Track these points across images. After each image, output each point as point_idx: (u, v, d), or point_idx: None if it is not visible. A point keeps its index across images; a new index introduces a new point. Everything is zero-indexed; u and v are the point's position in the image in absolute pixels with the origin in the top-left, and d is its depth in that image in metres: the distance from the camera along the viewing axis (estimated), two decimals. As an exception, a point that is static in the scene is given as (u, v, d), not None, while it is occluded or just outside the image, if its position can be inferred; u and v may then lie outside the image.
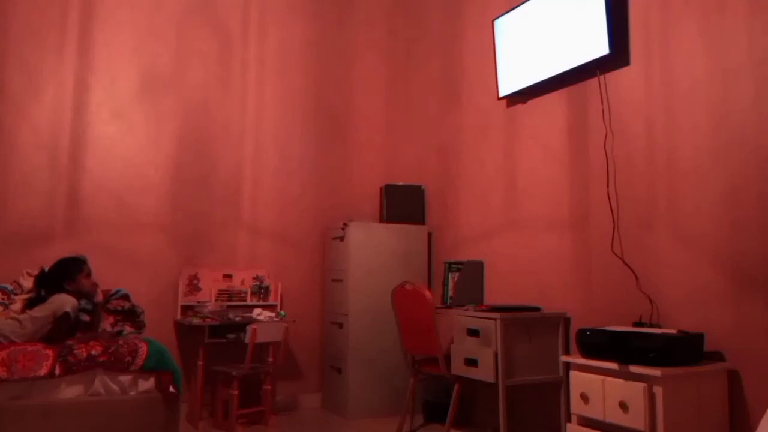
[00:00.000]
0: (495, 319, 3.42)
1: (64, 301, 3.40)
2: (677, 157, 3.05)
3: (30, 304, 3.49)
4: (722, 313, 2.81)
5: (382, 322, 4.49)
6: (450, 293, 4.39)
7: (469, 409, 4.31)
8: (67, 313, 3.38)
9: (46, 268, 3.61)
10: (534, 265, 3.86)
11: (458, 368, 3.62)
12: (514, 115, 4.12)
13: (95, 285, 3.67)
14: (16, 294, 3.70)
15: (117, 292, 3.91)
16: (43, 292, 3.49)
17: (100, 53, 4.38)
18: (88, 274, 3.62)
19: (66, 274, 3.57)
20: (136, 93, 4.47)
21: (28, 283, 3.74)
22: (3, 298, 3.68)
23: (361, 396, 4.45)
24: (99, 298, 3.73)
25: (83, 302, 3.62)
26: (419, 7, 5.19)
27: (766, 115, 2.70)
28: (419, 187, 4.93)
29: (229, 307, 4.49)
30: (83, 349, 3.17)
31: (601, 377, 2.75)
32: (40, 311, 3.38)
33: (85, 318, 3.61)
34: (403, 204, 4.83)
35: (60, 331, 3.37)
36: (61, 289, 3.49)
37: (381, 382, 4.50)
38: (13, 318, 3.38)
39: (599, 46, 3.36)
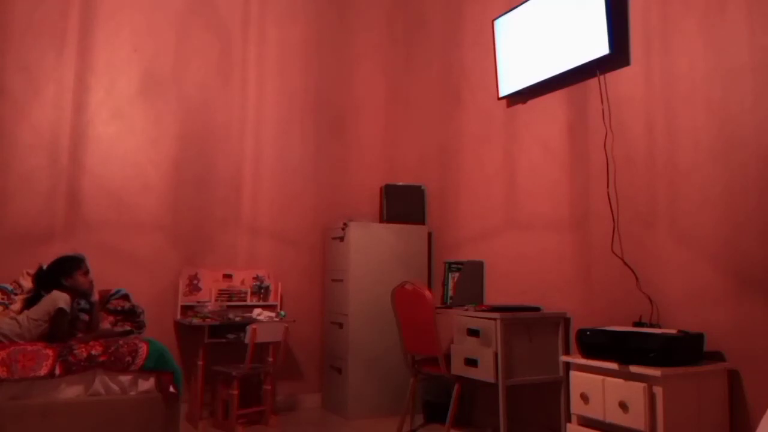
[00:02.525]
0: (495, 319, 3.42)
1: (56, 298, 3.38)
2: (677, 157, 3.05)
3: (28, 303, 3.49)
4: (722, 313, 2.81)
5: (382, 322, 4.49)
6: (450, 293, 4.39)
7: (469, 409, 4.31)
8: (61, 309, 3.36)
9: (44, 266, 3.61)
10: (534, 265, 3.86)
11: (458, 368, 3.62)
12: (514, 115, 4.12)
13: (92, 283, 3.65)
14: (16, 294, 3.70)
15: (117, 292, 3.91)
16: (43, 293, 3.48)
17: (100, 53, 4.38)
18: (86, 272, 3.60)
19: (63, 270, 3.55)
20: (136, 93, 4.47)
21: (27, 283, 3.74)
22: (3, 299, 3.68)
23: (361, 396, 4.44)
24: (95, 297, 3.73)
25: (82, 302, 3.62)
26: (419, 7, 5.19)
27: (766, 115, 2.70)
28: (419, 187, 4.93)
29: (229, 307, 4.49)
30: (83, 349, 3.17)
31: (601, 377, 2.75)
32: (34, 312, 3.37)
33: (84, 317, 3.61)
34: (403, 204, 4.83)
35: (59, 328, 3.35)
36: (57, 286, 3.48)
37: (381, 382, 4.50)
38: (12, 318, 3.38)
39: (599, 46, 3.36)
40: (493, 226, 4.23)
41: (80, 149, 4.28)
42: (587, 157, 3.56)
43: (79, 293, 3.56)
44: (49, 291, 3.45)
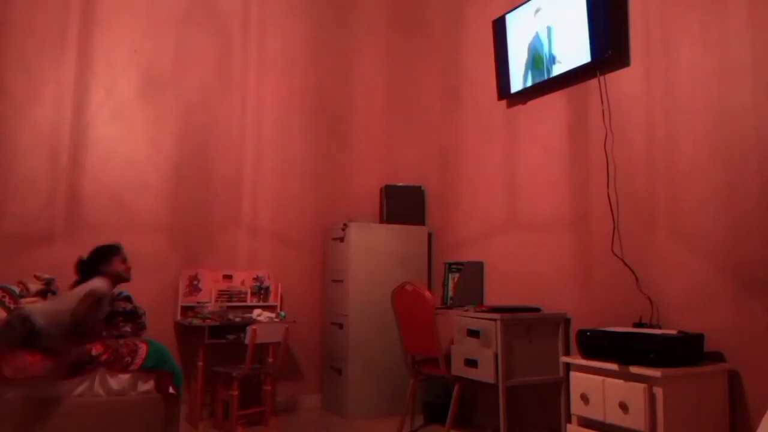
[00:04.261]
0: (495, 320, 3.42)
1: (89, 284, 3.30)
2: (677, 157, 3.05)
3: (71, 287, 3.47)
4: (722, 314, 2.81)
5: (382, 323, 4.48)
6: (450, 294, 4.39)
7: (469, 409, 4.31)
8: (91, 291, 3.25)
9: (84, 257, 3.51)
10: (534, 265, 3.86)
11: (458, 369, 3.61)
12: (515, 116, 4.12)
13: (130, 270, 3.55)
14: (23, 296, 3.68)
15: (119, 294, 3.90)
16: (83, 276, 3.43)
17: (100, 53, 4.38)
18: (123, 259, 3.53)
19: (101, 258, 3.47)
20: (136, 93, 4.47)
21: (35, 286, 3.73)
22: (5, 298, 3.66)
23: (361, 396, 4.44)
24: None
25: (124, 292, 3.67)
26: (419, 7, 5.19)
27: (766, 115, 2.70)
28: (419, 187, 4.93)
29: (229, 307, 4.49)
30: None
31: (602, 378, 2.75)
32: (59, 302, 3.33)
33: (126, 306, 3.65)
34: (403, 204, 4.83)
35: (82, 309, 3.21)
36: (96, 272, 3.40)
37: (381, 383, 4.50)
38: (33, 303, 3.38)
39: (599, 47, 3.36)
40: (493, 227, 4.23)
41: (80, 149, 4.28)
42: (587, 158, 3.56)
43: (119, 279, 3.49)
44: (87, 279, 3.38)
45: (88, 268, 3.46)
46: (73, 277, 3.47)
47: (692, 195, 2.97)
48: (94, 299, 3.27)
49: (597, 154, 3.49)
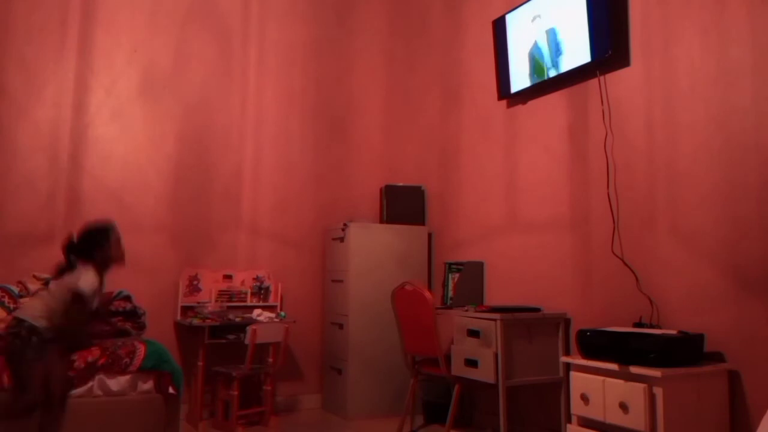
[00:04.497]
0: (495, 320, 3.42)
1: (81, 278, 3.09)
2: (677, 158, 3.05)
3: (60, 273, 3.24)
4: (722, 314, 2.81)
5: (382, 323, 4.48)
6: (450, 294, 4.39)
7: (469, 409, 4.31)
8: (78, 294, 3.06)
9: (75, 238, 3.30)
10: (534, 265, 3.86)
11: (458, 369, 3.61)
12: (515, 116, 4.12)
13: (124, 253, 3.36)
14: (22, 296, 3.67)
15: (119, 293, 3.90)
16: (76, 263, 3.19)
17: (100, 53, 4.38)
18: (117, 241, 3.33)
19: (94, 242, 3.26)
20: (136, 93, 4.47)
21: (35, 285, 3.72)
22: (4, 298, 3.66)
23: (361, 396, 4.44)
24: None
25: (124, 291, 3.69)
26: (419, 7, 5.19)
27: (766, 115, 2.69)
28: (419, 187, 4.92)
29: (229, 307, 4.49)
30: (81, 359, 3.14)
31: (602, 378, 2.75)
32: (57, 285, 3.15)
33: (127, 305, 3.70)
34: (403, 205, 4.83)
35: (72, 314, 3.06)
36: (91, 258, 3.19)
37: (381, 383, 4.50)
38: (38, 295, 3.22)
39: (599, 46, 3.36)
40: (493, 227, 4.23)
41: (80, 149, 4.27)
42: (587, 158, 3.56)
43: (113, 264, 3.30)
44: (81, 259, 3.18)
45: (78, 253, 3.23)
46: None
47: (692, 195, 2.97)
48: (80, 300, 3.09)
49: (597, 154, 3.49)
